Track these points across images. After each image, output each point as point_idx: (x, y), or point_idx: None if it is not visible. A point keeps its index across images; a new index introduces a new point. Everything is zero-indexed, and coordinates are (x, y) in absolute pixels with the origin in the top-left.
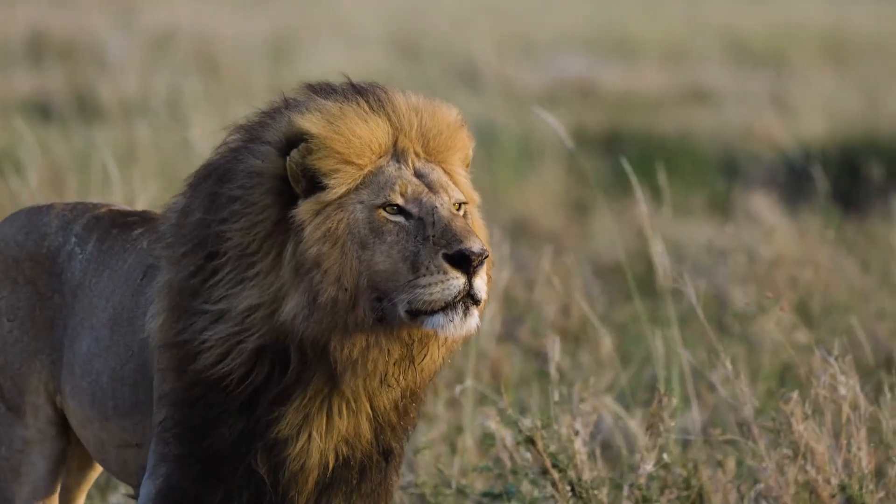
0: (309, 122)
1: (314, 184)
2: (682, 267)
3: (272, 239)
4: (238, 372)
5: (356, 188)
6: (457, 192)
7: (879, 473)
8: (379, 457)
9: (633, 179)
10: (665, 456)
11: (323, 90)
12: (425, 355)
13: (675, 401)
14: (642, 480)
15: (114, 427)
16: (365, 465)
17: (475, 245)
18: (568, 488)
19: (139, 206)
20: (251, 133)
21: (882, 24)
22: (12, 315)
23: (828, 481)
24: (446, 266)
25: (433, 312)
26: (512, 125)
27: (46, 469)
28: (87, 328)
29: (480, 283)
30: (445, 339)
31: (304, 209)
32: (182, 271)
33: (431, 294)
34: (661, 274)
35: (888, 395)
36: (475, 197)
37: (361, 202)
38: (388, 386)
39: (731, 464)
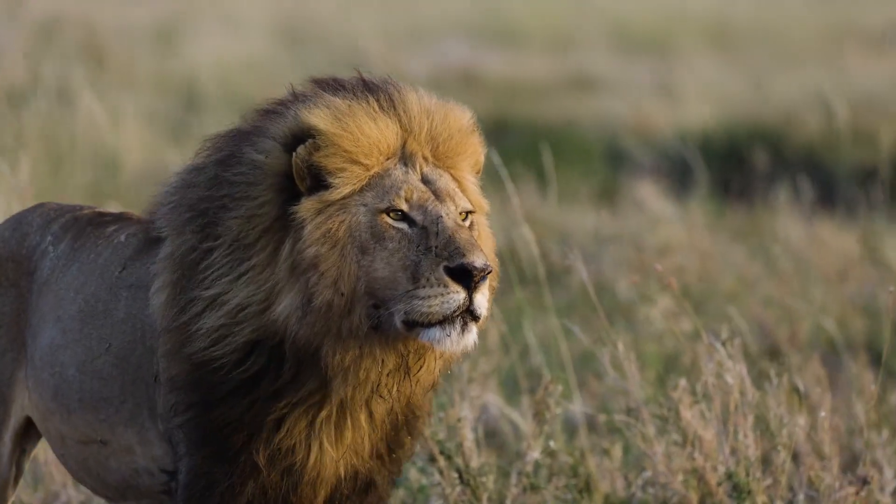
0: (317, 118)
1: (318, 182)
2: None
3: (270, 234)
4: (231, 358)
5: (361, 189)
6: (464, 201)
7: (766, 461)
8: (385, 473)
9: (503, 172)
10: (551, 443)
11: (331, 86)
12: (421, 366)
13: (560, 388)
14: (529, 468)
15: (78, 421)
16: (371, 481)
17: (478, 259)
18: (455, 475)
19: (29, 194)
20: (259, 123)
21: (766, 11)
22: (0, 321)
23: (715, 469)
24: (447, 279)
25: (430, 325)
26: None
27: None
28: (52, 321)
29: (481, 299)
30: (442, 352)
31: (305, 206)
32: (184, 243)
33: (430, 307)
34: (535, 260)
35: (774, 382)
36: (484, 205)
37: (365, 205)
38: (381, 397)
39: (617, 451)
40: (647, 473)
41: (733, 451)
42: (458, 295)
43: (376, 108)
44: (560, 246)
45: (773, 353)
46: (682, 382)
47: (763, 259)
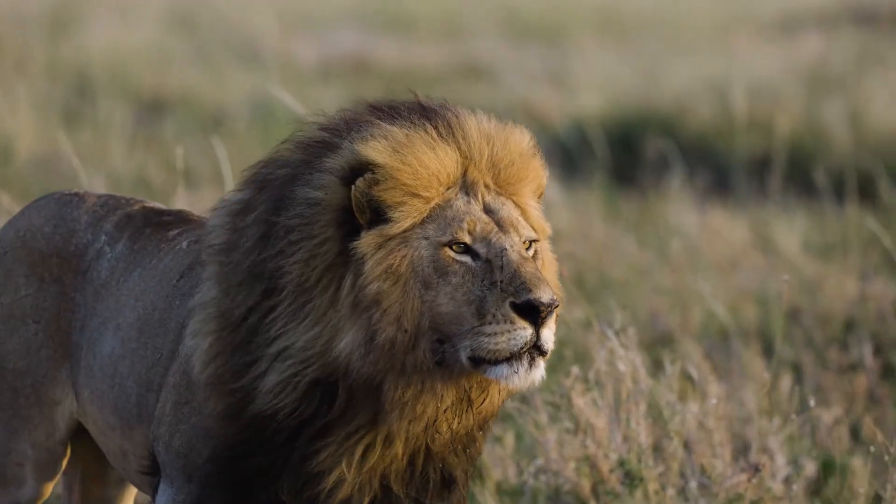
0: (374, 151)
1: (377, 215)
2: None
3: (332, 272)
4: (290, 407)
5: (422, 222)
6: (527, 230)
7: (658, 448)
8: (437, 487)
9: None
10: None
11: (387, 113)
12: (484, 399)
13: None
14: None
15: (138, 436)
16: (421, 497)
17: (545, 295)
18: None
19: None
20: (309, 157)
21: None
22: (38, 316)
23: (607, 456)
24: (513, 315)
25: (497, 362)
26: (290, 100)
27: (35, 492)
28: (112, 329)
29: (548, 335)
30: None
31: (366, 242)
32: (237, 306)
33: (497, 344)
34: None
35: (667, 370)
36: (547, 229)
37: (427, 238)
38: (437, 432)
39: (510, 439)
40: (539, 461)
41: (625, 439)
42: (524, 331)
43: (434, 137)
44: None
45: (666, 341)
46: (575, 370)
47: (656, 247)
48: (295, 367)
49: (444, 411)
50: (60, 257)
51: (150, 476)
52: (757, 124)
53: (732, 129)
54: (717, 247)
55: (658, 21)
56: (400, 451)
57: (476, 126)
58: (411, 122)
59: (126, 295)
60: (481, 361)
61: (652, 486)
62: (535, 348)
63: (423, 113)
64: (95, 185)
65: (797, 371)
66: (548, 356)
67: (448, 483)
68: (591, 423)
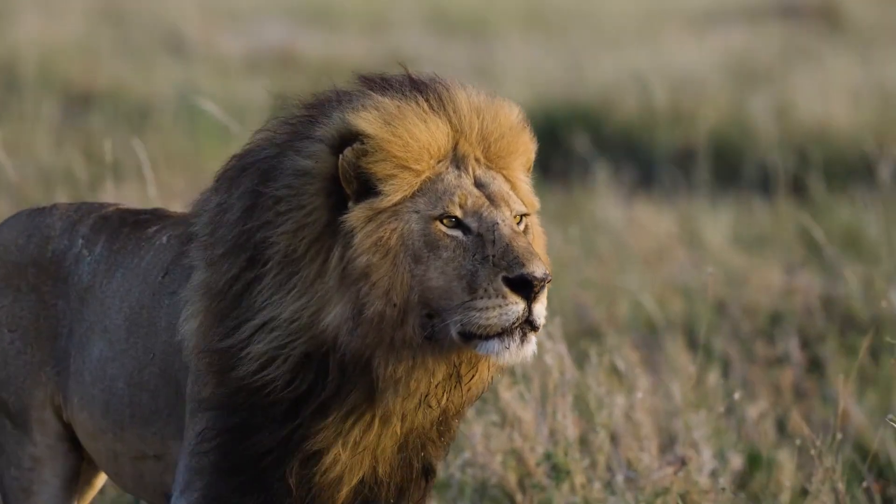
0: (365, 122)
1: (367, 188)
2: None
3: (319, 243)
4: (283, 379)
5: (412, 195)
6: (518, 204)
7: (584, 441)
8: (419, 475)
9: None
10: None
11: (378, 84)
12: (473, 375)
13: None
14: None
15: (130, 437)
16: (404, 485)
17: (538, 269)
18: None
19: None
20: (298, 128)
21: None
22: (14, 325)
23: (533, 449)
24: (506, 290)
25: (488, 337)
26: (216, 92)
27: (59, 486)
28: (100, 332)
29: (540, 309)
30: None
31: (355, 215)
32: (222, 275)
33: (488, 319)
34: None
35: (593, 362)
36: (535, 203)
37: (417, 212)
38: (429, 406)
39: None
40: (466, 454)
41: (552, 432)
42: (517, 306)
43: (426, 109)
44: None
45: (593, 334)
46: None
47: (582, 240)
48: (282, 339)
49: (436, 386)
50: (37, 266)
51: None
52: (683, 117)
53: (658, 122)
54: (644, 240)
55: (584, 14)
56: (398, 430)
57: (466, 99)
58: (402, 94)
59: (110, 297)
60: (472, 336)
61: (578, 480)
62: (527, 323)
63: (413, 86)
64: (22, 176)
65: (724, 364)
66: (539, 331)
67: (426, 472)
68: (517, 417)
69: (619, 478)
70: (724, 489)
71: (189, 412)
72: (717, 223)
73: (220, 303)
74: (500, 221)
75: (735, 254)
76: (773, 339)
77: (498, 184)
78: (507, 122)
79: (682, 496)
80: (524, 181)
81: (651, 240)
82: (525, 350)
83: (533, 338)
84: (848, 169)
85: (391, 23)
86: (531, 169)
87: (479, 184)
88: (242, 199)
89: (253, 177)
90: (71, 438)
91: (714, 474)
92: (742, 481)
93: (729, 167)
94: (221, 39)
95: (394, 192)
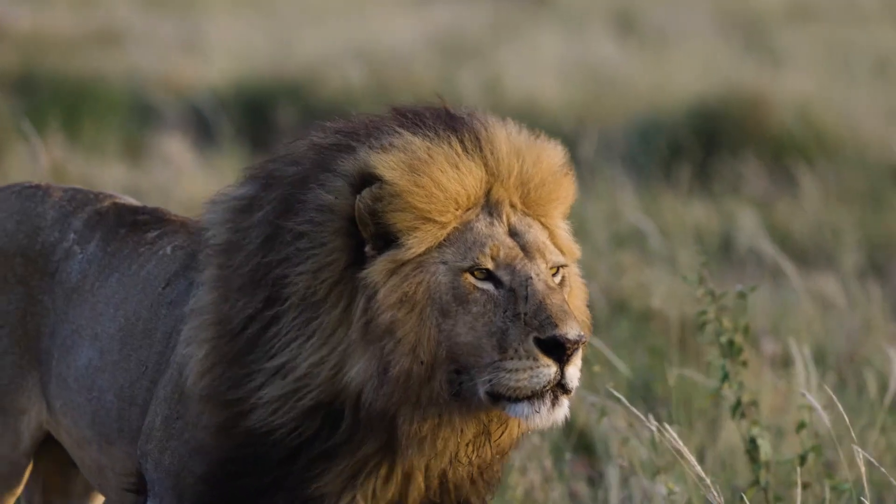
0: (385, 167)
1: (386, 236)
2: None
3: (341, 286)
4: (288, 426)
5: (438, 245)
6: (555, 255)
7: None
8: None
9: (29, 127)
10: None
11: (411, 120)
12: (503, 433)
13: None
14: None
15: (118, 452)
16: None
17: (571, 331)
18: None
19: None
20: (323, 158)
21: None
22: (2, 320)
23: None
24: (537, 352)
25: (518, 400)
26: None
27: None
28: (88, 338)
29: (574, 372)
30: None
31: (377, 268)
32: (237, 312)
33: (518, 381)
34: None
35: None
36: (575, 251)
37: (445, 263)
38: (459, 463)
39: None
40: None
41: None
42: (548, 369)
43: (459, 152)
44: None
45: None
46: None
47: None
48: (297, 385)
49: (466, 445)
50: (25, 256)
51: (136, 495)
52: (389, 91)
53: (362, 96)
54: None
55: None
56: (422, 486)
57: (506, 139)
58: (436, 134)
59: (103, 303)
60: (500, 398)
61: None
62: (559, 386)
63: (449, 123)
64: None
65: None
66: (572, 394)
67: None
68: None
69: None
70: None
71: (162, 418)
72: None
73: (232, 343)
74: (533, 276)
75: None
76: None
77: (534, 233)
78: (550, 166)
79: None
80: (563, 228)
81: None
82: (556, 414)
83: (565, 401)
84: None
85: None
86: (568, 215)
87: (513, 232)
88: (262, 226)
89: (274, 204)
90: (31, 455)
91: None
92: None
93: None
94: None
95: (417, 244)
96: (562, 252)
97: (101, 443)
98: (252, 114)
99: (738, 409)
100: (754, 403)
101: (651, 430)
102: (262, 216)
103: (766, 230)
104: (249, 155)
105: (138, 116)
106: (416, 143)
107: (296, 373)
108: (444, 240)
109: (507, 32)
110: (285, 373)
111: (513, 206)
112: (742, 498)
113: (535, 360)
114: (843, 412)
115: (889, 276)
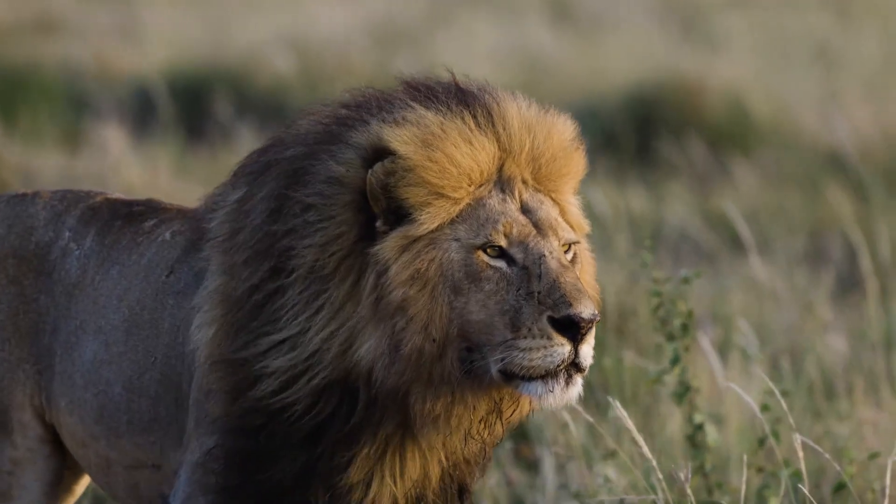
0: (400, 141)
1: (398, 211)
2: None
3: (350, 260)
4: (303, 403)
5: (451, 221)
6: (567, 231)
7: None
8: (454, 496)
9: None
10: None
11: (423, 94)
12: (514, 410)
13: None
14: None
15: (127, 445)
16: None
17: (586, 310)
18: None
19: None
20: (333, 129)
21: None
22: None
23: None
24: (551, 331)
25: (531, 379)
26: None
27: (40, 492)
28: (93, 332)
29: (587, 350)
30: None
31: (389, 244)
32: (241, 283)
33: (531, 360)
34: None
35: None
36: (585, 226)
37: (457, 240)
38: (472, 439)
39: None
40: None
41: None
42: (562, 348)
43: (472, 127)
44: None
45: None
46: None
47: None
48: (301, 360)
49: (479, 422)
50: (18, 257)
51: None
52: (323, 79)
53: (295, 84)
54: None
55: None
56: (443, 458)
57: (518, 114)
58: (448, 109)
59: (106, 295)
60: (513, 376)
61: None
62: (573, 365)
63: (460, 97)
64: None
65: None
66: (585, 372)
67: (461, 492)
68: None
69: None
70: None
71: (194, 421)
72: None
73: (237, 312)
74: (546, 253)
75: None
76: None
77: (546, 209)
78: (561, 140)
79: None
80: (574, 203)
81: None
82: (570, 393)
83: (578, 380)
84: None
85: None
86: (578, 190)
87: (525, 209)
88: (267, 201)
89: (279, 178)
90: (53, 441)
91: None
92: None
93: None
94: None
95: (430, 220)
96: (573, 228)
97: (108, 437)
98: (188, 102)
99: (686, 394)
100: (696, 389)
101: (587, 419)
102: (268, 190)
103: (703, 216)
104: (185, 142)
105: (75, 105)
106: (430, 117)
107: (306, 347)
108: (457, 216)
109: (442, 20)
110: (294, 345)
111: (524, 182)
112: (682, 482)
113: (549, 338)
114: (781, 399)
115: (825, 261)
